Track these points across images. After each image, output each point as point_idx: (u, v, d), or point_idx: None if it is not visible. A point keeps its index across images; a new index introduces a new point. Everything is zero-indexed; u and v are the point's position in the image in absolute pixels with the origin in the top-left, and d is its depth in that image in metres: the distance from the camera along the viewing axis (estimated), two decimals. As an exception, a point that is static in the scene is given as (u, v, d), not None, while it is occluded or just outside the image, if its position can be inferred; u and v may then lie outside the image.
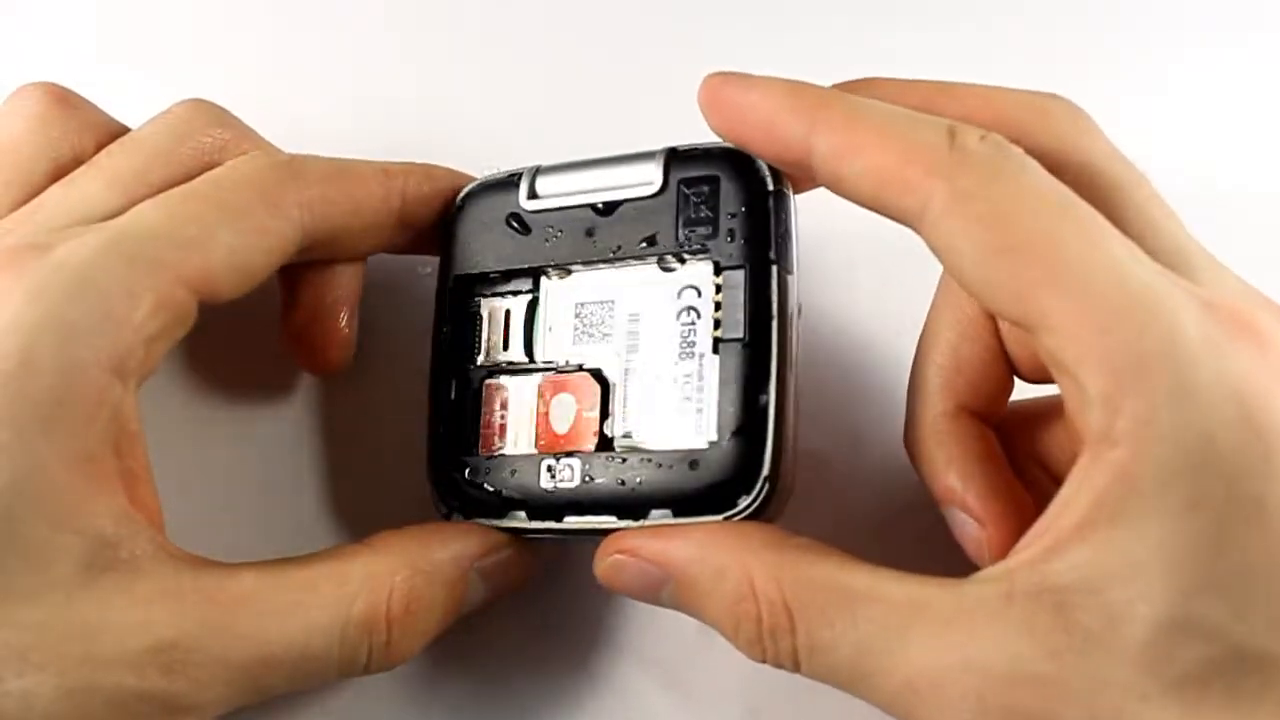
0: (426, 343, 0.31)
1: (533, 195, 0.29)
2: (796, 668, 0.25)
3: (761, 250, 0.27)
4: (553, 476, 0.28)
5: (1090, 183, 0.25)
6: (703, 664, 0.31)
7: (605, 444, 0.28)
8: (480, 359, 0.30)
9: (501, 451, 0.29)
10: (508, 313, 0.30)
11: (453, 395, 0.30)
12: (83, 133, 0.29)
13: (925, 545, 0.28)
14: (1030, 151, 0.24)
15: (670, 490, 0.27)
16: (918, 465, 0.28)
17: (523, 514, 0.28)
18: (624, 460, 0.27)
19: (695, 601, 0.26)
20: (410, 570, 0.27)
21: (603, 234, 0.28)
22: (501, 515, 0.29)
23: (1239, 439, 0.21)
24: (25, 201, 0.28)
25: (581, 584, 0.28)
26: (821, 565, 0.25)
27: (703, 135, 0.27)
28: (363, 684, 0.31)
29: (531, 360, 0.29)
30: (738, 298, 0.26)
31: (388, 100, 0.38)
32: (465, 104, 0.38)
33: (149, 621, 0.24)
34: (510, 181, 0.30)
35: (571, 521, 0.28)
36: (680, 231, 0.27)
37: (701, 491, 0.26)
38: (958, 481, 0.27)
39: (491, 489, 0.29)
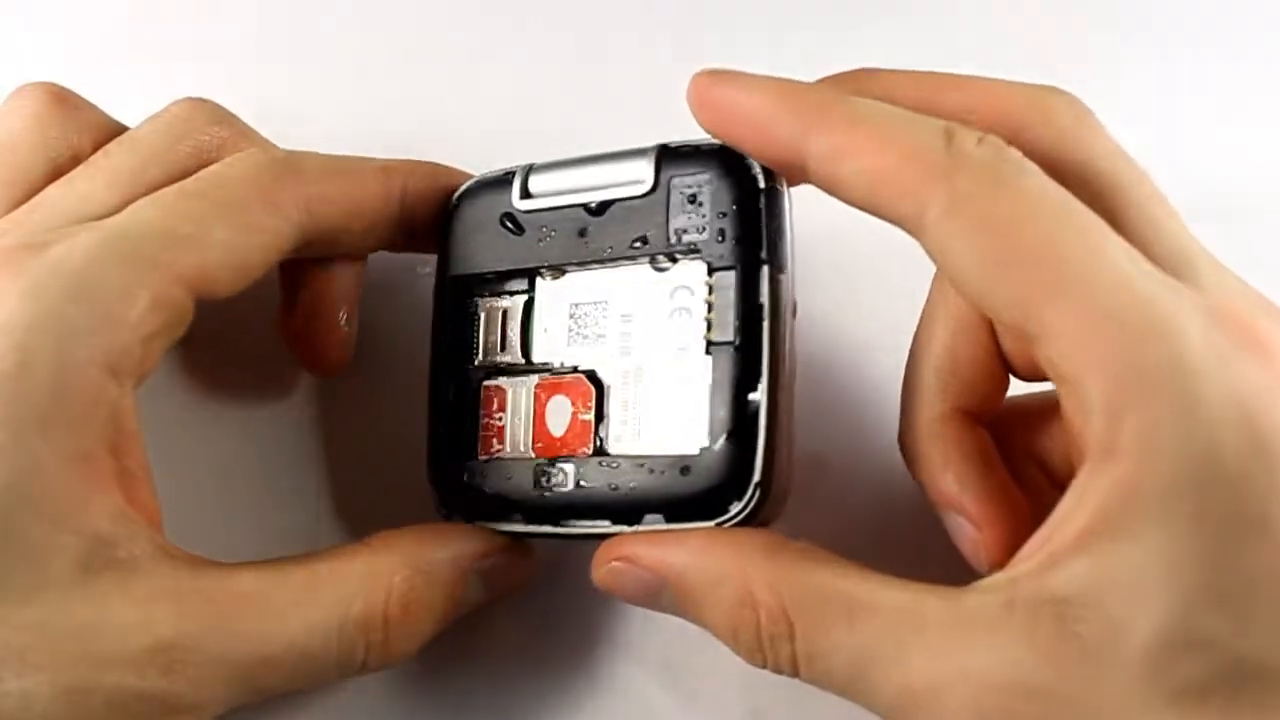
0: (426, 343, 0.31)
1: (526, 195, 0.29)
2: (795, 674, 0.25)
3: (752, 250, 0.26)
4: (548, 481, 0.28)
5: (1090, 180, 0.25)
6: (704, 665, 0.31)
7: (600, 448, 0.28)
8: (478, 360, 0.30)
9: (499, 454, 0.29)
10: (504, 314, 0.29)
11: (451, 397, 0.30)
12: (81, 132, 0.29)
13: (924, 548, 0.28)
14: (1030, 147, 0.24)
15: (662, 496, 0.26)
16: (913, 468, 0.28)
17: (519, 517, 0.28)
18: (617, 465, 0.27)
19: (694, 608, 0.26)
20: (409, 570, 0.27)
21: (595, 234, 0.28)
22: (499, 518, 0.29)
23: (1244, 453, 0.21)
24: (23, 201, 0.28)
25: (581, 584, 0.28)
26: (820, 572, 0.25)
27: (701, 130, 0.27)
28: (362, 684, 0.31)
29: (528, 362, 0.29)
30: (728, 299, 0.26)
31: (388, 100, 0.38)
32: (465, 103, 0.38)
33: (147, 621, 0.24)
34: (504, 180, 0.29)
35: (567, 526, 0.28)
36: (671, 232, 0.27)
37: (693, 497, 0.26)
38: (954, 484, 0.27)
39: (489, 492, 0.29)
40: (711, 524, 0.26)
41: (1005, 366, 0.28)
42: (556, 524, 0.28)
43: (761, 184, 0.26)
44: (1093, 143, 0.25)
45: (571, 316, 0.29)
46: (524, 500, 0.28)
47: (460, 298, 0.30)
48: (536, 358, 0.29)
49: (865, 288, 0.34)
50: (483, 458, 0.29)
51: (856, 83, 0.26)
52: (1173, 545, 0.21)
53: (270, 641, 0.25)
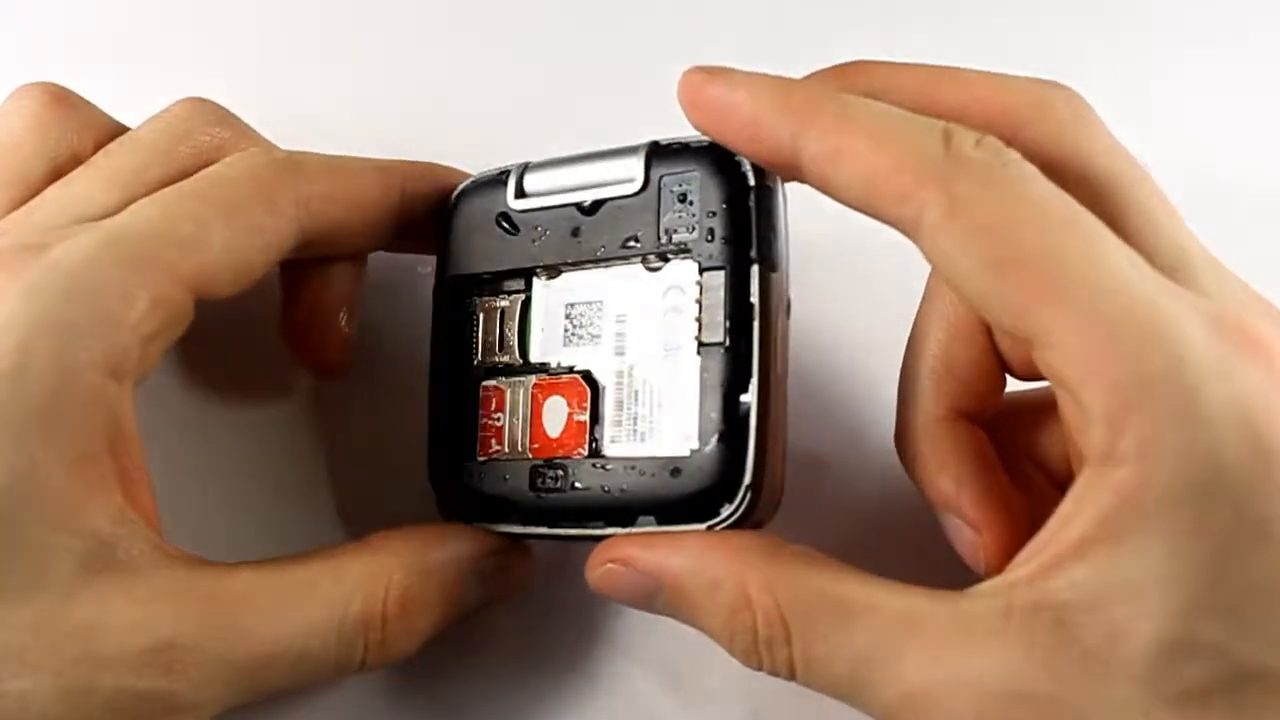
0: (426, 343, 0.31)
1: (520, 194, 0.29)
2: (792, 677, 0.25)
3: (742, 249, 0.26)
4: (544, 482, 0.28)
5: (1090, 178, 0.24)
6: (704, 665, 0.31)
7: (595, 449, 0.27)
8: (477, 361, 0.30)
9: (496, 455, 0.29)
10: (502, 314, 0.29)
11: (451, 398, 0.30)
12: (81, 132, 0.29)
13: (923, 549, 0.28)
14: (1028, 144, 0.24)
15: (654, 498, 0.26)
16: (910, 469, 0.28)
17: (517, 519, 0.28)
18: (610, 467, 0.27)
19: (689, 611, 0.26)
20: (407, 570, 0.27)
21: (588, 234, 0.28)
22: (497, 519, 0.29)
23: (1246, 461, 0.21)
24: (23, 202, 0.28)
25: (581, 585, 0.27)
26: (817, 576, 0.24)
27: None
28: (362, 684, 0.31)
29: (526, 362, 0.29)
30: (718, 299, 0.26)
31: (387, 100, 0.38)
32: (465, 103, 0.38)
33: (147, 621, 0.24)
34: (499, 180, 0.29)
35: (562, 528, 0.28)
36: (661, 231, 0.27)
37: (684, 499, 0.26)
38: (951, 486, 0.27)
39: (487, 493, 0.29)
40: (703, 526, 0.26)
41: (1001, 366, 0.28)
42: (552, 526, 0.28)
43: (751, 182, 0.26)
44: (1092, 140, 0.25)
45: (567, 317, 0.29)
46: (521, 502, 0.28)
47: (459, 298, 0.30)
48: (533, 358, 0.29)
49: (864, 287, 0.34)
50: (481, 458, 0.29)
51: (851, 76, 0.26)
52: (1174, 551, 0.21)
53: (269, 641, 0.25)
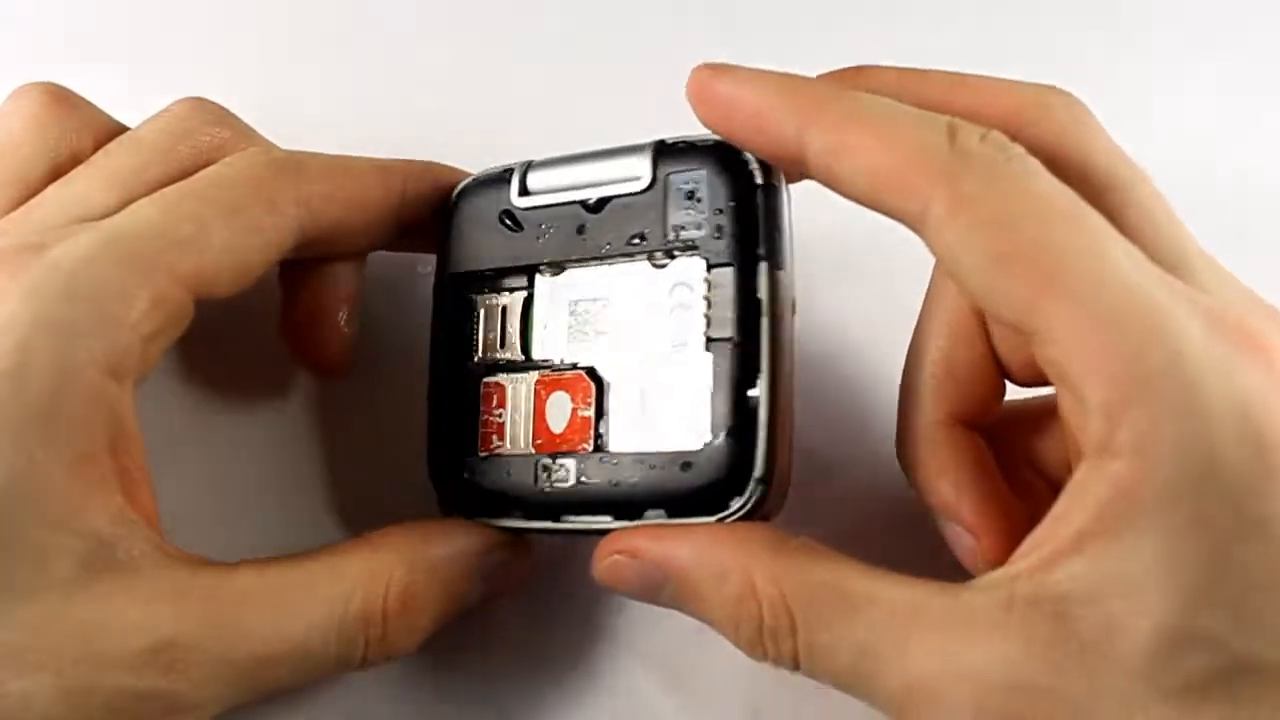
0: (426, 342, 0.31)
1: (524, 191, 0.29)
2: (796, 667, 0.25)
3: (750, 246, 0.26)
4: (549, 477, 0.28)
5: (1090, 179, 0.25)
6: (705, 663, 0.31)
7: (600, 444, 0.28)
8: (478, 358, 0.30)
9: (499, 451, 0.29)
10: (504, 311, 0.30)
11: (451, 394, 0.30)
12: (81, 132, 0.29)
13: (925, 545, 0.28)
14: (1030, 145, 0.24)
15: (663, 491, 0.26)
16: (910, 475, 0.28)
17: (519, 513, 0.28)
18: (617, 461, 0.27)
19: (696, 602, 0.26)
20: (408, 566, 0.27)
21: (593, 231, 0.28)
22: (499, 514, 0.29)
23: (1244, 456, 0.21)
24: (23, 201, 0.28)
25: (582, 582, 0.28)
26: (822, 568, 0.25)
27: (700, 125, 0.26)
28: (363, 682, 0.31)
29: (528, 359, 0.29)
30: (726, 295, 0.26)
31: (388, 100, 0.38)
32: (465, 103, 0.38)
33: (147, 621, 0.24)
34: (502, 178, 0.29)
35: (568, 521, 0.28)
36: (669, 228, 0.27)
37: (694, 493, 0.26)
38: (950, 491, 0.27)
39: (489, 488, 0.29)
40: (712, 519, 0.26)
41: (1001, 372, 0.28)
42: (557, 519, 0.28)
43: (759, 180, 0.26)
44: (1091, 142, 0.25)
45: (572, 313, 0.29)
46: (524, 496, 0.28)
47: (459, 295, 0.30)
48: (536, 354, 0.29)
49: (868, 283, 0.34)
50: (482, 454, 0.29)
51: (856, 79, 0.26)
52: (1172, 544, 0.21)
53: (270, 639, 0.25)
